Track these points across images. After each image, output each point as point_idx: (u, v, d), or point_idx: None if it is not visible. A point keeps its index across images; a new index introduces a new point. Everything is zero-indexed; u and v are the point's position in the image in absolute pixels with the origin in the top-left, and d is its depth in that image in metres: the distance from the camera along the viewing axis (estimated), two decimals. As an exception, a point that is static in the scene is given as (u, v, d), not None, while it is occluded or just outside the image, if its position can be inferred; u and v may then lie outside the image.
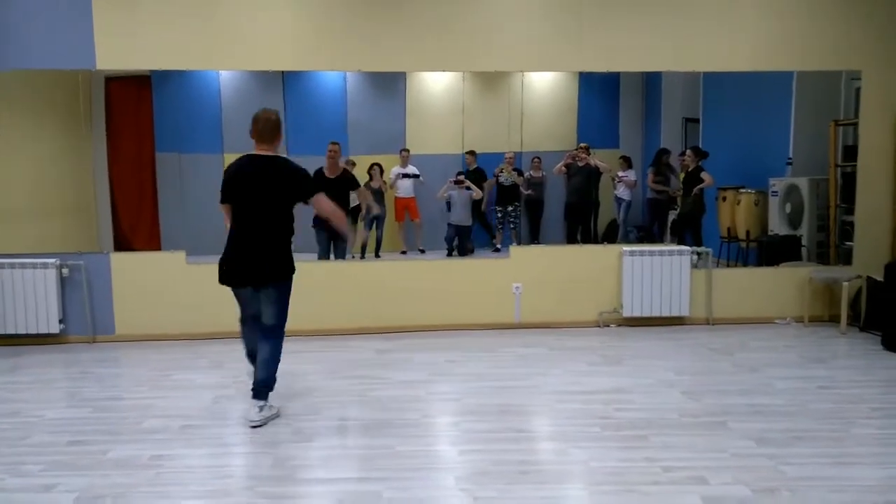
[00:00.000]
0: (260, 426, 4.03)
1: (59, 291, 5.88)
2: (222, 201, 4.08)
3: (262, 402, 4.10)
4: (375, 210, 6.80)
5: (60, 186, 6.17)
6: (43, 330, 5.86)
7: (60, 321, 5.91)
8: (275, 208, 4.01)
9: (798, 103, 6.57)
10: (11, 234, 5.98)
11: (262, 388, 4.13)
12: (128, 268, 6.04)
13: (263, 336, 4.13)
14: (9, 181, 5.99)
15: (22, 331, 5.85)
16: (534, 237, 7.39)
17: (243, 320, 4.30)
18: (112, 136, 6.19)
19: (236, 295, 4.20)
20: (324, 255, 6.43)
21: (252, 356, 4.31)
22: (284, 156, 4.21)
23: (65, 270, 5.91)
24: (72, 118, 6.04)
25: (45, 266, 5.83)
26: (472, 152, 7.06)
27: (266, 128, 4.04)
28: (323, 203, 4.14)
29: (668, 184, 7.01)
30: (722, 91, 6.71)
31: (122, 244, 6.26)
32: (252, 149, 4.09)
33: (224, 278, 4.07)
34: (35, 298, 5.83)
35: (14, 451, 3.71)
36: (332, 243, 6.42)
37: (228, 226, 4.10)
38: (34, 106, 6.10)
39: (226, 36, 5.96)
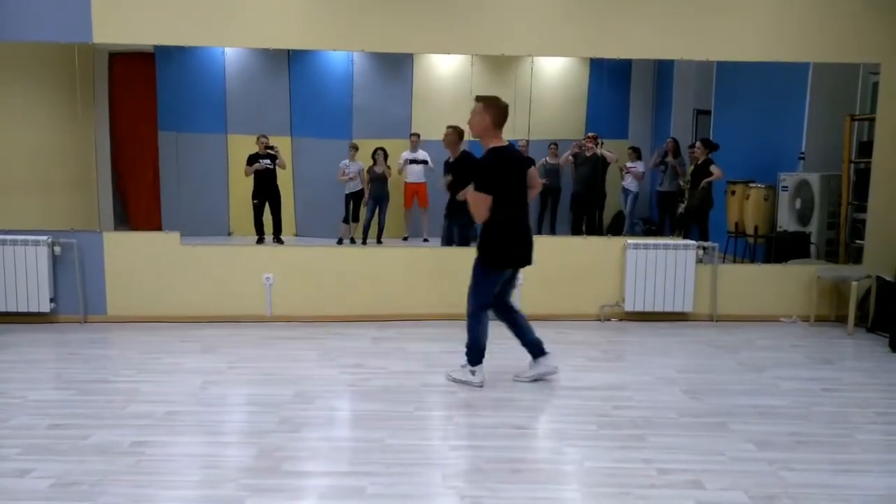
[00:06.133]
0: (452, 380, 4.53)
1: (50, 269, 5.77)
2: (492, 192, 4.22)
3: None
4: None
5: (60, 162, 6.01)
6: (33, 308, 5.76)
7: (51, 300, 5.80)
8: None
9: (813, 96, 6.37)
10: (9, 209, 5.85)
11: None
12: (121, 247, 5.92)
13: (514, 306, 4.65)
14: (8, 155, 5.85)
15: (12, 309, 5.74)
16: (552, 226, 7.19)
17: (494, 304, 4.56)
18: (115, 112, 6.06)
19: (500, 279, 4.45)
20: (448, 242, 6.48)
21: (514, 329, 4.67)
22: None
23: (57, 248, 5.79)
24: (73, 93, 5.89)
25: (36, 243, 5.71)
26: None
27: (505, 115, 4.34)
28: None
29: (672, 172, 6.82)
30: (735, 83, 6.51)
31: (122, 222, 6.14)
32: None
33: (516, 262, 4.43)
34: (26, 276, 5.72)
35: (-7, 433, 3.62)
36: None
37: (482, 218, 4.30)
38: (37, 79, 5.94)
39: (228, 12, 5.79)
